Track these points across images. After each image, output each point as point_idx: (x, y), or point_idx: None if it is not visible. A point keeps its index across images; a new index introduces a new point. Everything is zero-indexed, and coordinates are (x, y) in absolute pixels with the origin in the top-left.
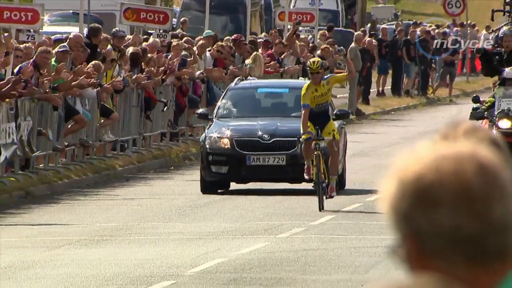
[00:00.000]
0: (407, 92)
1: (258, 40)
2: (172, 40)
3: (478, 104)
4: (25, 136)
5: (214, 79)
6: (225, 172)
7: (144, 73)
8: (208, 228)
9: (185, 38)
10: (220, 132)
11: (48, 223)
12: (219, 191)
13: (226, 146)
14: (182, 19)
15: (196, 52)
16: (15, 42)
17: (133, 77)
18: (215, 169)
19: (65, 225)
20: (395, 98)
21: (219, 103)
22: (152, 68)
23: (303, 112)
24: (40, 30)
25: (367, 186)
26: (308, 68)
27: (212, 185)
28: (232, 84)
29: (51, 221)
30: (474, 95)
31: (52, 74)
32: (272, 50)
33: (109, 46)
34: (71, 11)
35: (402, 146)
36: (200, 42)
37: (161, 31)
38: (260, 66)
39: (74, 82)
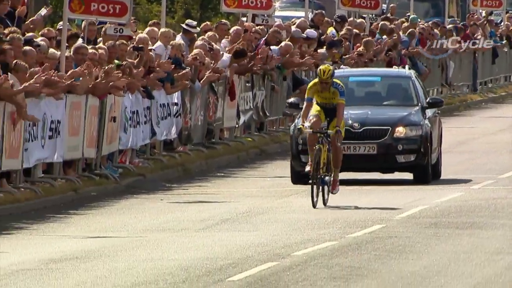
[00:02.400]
0: None
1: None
2: (383, 23)
3: None
4: (259, 103)
5: (416, 55)
6: None
7: (356, 52)
8: (413, 180)
9: (396, 22)
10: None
11: (279, 175)
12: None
13: None
14: (391, 5)
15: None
16: (252, 24)
17: (348, 56)
18: (305, 159)
19: None
20: None
21: None
22: (362, 48)
23: (304, 104)
24: (272, 15)
25: None
26: (317, 75)
27: (303, 175)
28: None
29: (282, 174)
30: None
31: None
32: (468, 31)
33: (330, 29)
34: None
35: None
36: (404, 24)
37: (373, 15)
38: (452, 44)
39: (302, 61)
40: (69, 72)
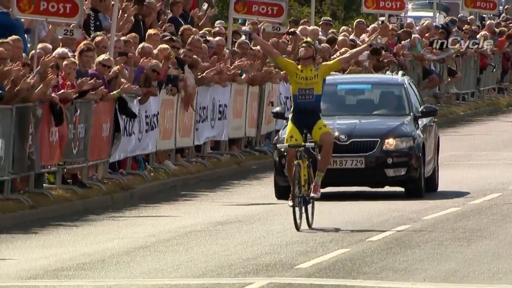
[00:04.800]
0: None
1: None
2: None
3: None
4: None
5: None
6: None
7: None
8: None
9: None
10: None
11: None
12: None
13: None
14: (506, 6)
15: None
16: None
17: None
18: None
19: None
20: None
21: None
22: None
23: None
24: (405, 15)
25: None
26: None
27: (287, 191)
28: None
29: None
30: None
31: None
32: None
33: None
34: (427, 1)
35: None
36: None
37: (491, 15)
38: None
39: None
40: (233, 65)
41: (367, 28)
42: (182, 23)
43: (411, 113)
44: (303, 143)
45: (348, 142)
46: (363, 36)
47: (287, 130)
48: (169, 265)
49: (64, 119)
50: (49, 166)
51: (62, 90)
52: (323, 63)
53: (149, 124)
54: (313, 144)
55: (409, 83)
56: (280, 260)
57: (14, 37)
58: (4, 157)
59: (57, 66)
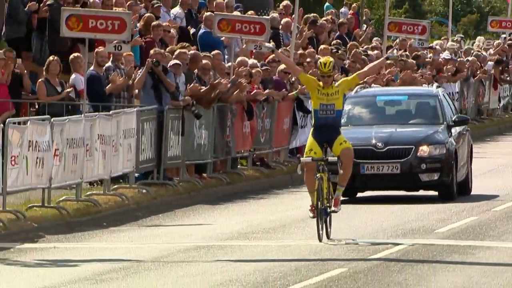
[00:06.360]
0: None
1: None
2: None
3: None
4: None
5: None
6: None
7: None
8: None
9: None
10: None
11: None
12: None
13: None
14: None
15: None
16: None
17: None
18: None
19: None
20: None
21: None
22: None
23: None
24: None
25: None
26: (318, 70)
27: None
28: (352, 92)
29: None
30: None
31: None
32: None
33: None
34: None
35: None
36: None
37: None
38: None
39: None
40: (388, 71)
41: (493, 43)
42: (347, 39)
43: (445, 122)
44: (325, 157)
45: (384, 149)
46: (490, 50)
47: (307, 144)
48: (336, 228)
49: (254, 115)
50: (242, 152)
51: (253, 91)
52: (343, 79)
53: None
54: (335, 158)
55: (443, 95)
56: (422, 225)
57: (215, 51)
58: (208, 144)
59: (250, 74)
